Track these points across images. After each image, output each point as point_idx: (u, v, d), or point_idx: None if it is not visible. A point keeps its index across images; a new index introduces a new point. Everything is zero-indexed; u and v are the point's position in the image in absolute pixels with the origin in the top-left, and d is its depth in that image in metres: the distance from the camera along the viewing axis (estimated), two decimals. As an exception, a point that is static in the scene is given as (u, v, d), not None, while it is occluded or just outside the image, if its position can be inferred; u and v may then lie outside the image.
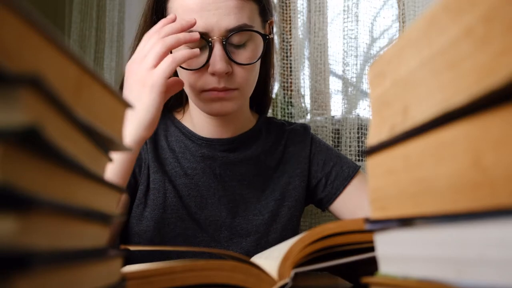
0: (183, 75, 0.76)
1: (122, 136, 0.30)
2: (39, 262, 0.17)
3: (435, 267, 0.23)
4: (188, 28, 0.70)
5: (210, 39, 0.72)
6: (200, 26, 0.72)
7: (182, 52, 0.68)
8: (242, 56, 0.75)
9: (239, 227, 0.82)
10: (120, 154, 0.66)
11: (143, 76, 0.68)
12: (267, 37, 0.79)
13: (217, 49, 0.72)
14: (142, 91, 0.68)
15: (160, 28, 0.70)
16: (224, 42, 0.72)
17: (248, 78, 0.77)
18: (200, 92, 0.76)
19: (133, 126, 0.67)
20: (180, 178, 0.82)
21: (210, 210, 0.81)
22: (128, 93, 0.69)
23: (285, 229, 0.84)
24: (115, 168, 0.66)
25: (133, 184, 0.81)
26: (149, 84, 0.67)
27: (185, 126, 0.86)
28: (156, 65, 0.68)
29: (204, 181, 0.83)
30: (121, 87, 0.74)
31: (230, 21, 0.72)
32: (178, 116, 0.88)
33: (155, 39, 0.69)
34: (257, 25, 0.77)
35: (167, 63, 0.68)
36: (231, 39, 0.73)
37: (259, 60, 0.78)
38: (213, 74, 0.73)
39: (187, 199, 0.81)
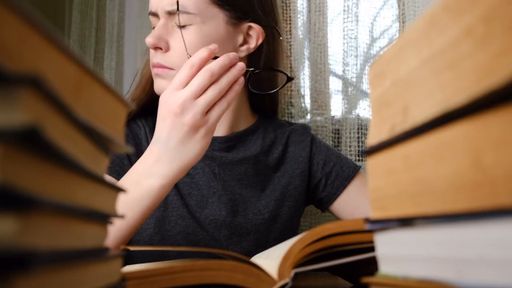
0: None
1: (122, 136, 0.30)
2: (39, 262, 0.17)
3: (435, 267, 0.23)
4: (235, 63, 0.66)
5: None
6: (151, 6, 0.79)
7: (232, 94, 0.65)
8: (184, 35, 0.76)
9: (239, 227, 0.82)
10: (154, 192, 0.63)
11: (197, 122, 0.63)
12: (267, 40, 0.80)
13: (157, 24, 0.79)
14: (192, 137, 0.63)
15: (203, 60, 0.65)
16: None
17: (185, 59, 0.72)
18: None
19: (171, 167, 0.64)
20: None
21: (210, 209, 0.81)
22: (170, 131, 0.64)
23: (285, 228, 0.84)
24: (140, 208, 0.64)
25: None
26: (203, 131, 0.63)
27: None
28: (208, 110, 0.64)
29: (204, 180, 0.83)
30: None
31: (167, 1, 0.77)
32: None
33: (205, 78, 0.63)
34: (209, 14, 0.77)
35: (222, 108, 0.64)
36: (175, 19, 0.77)
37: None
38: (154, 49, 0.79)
39: (188, 197, 0.81)
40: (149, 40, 0.77)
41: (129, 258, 0.79)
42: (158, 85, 0.79)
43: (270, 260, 0.49)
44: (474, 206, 0.20)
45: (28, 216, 0.17)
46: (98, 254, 0.26)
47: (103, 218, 0.28)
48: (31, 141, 0.17)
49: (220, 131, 0.85)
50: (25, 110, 0.17)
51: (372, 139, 0.29)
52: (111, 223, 0.29)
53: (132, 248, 0.65)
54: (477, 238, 0.20)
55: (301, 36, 1.16)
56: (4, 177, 0.16)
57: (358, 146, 1.10)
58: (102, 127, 0.26)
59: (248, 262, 0.45)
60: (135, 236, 0.79)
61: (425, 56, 0.24)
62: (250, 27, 0.81)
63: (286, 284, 0.44)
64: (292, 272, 0.44)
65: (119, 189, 0.30)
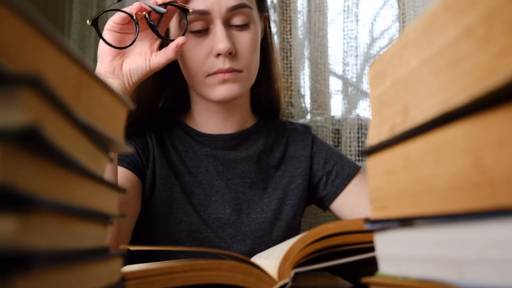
0: (189, 63, 0.78)
1: (122, 136, 0.30)
2: (39, 262, 0.17)
3: (435, 267, 0.23)
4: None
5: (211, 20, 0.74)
6: (201, 5, 0.73)
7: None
8: (245, 37, 0.77)
9: (242, 225, 0.82)
10: None
11: None
12: (266, 32, 0.84)
13: (219, 29, 0.74)
14: None
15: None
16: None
17: (251, 59, 0.79)
18: (205, 77, 0.77)
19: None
20: (184, 176, 0.83)
21: (213, 208, 0.82)
22: None
23: (288, 227, 0.84)
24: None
25: (141, 165, 0.80)
26: None
27: (187, 125, 0.87)
28: None
29: (207, 179, 0.83)
30: None
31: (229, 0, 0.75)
32: (181, 117, 0.89)
33: None
34: (254, 11, 0.80)
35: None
36: (233, 20, 0.76)
37: (259, 47, 0.82)
38: (218, 55, 0.75)
39: (191, 196, 0.82)
40: (227, 45, 0.73)
41: (133, 257, 0.79)
42: (229, 90, 0.77)
43: (270, 260, 0.49)
44: (474, 206, 0.20)
45: (28, 216, 0.17)
46: (98, 254, 0.26)
47: (103, 218, 0.28)
48: (31, 141, 0.17)
49: (227, 129, 0.86)
50: (25, 110, 0.17)
51: (372, 139, 0.29)
52: (111, 223, 0.29)
53: (132, 248, 0.65)
54: (477, 238, 0.20)
55: (301, 36, 1.16)
56: (4, 177, 0.16)
57: (358, 146, 1.10)
58: (102, 127, 0.26)
59: (248, 262, 0.45)
60: (140, 232, 0.79)
61: (425, 56, 0.24)
62: (266, 17, 0.86)
63: (286, 284, 0.44)
64: (292, 272, 0.44)
65: (119, 189, 0.30)
